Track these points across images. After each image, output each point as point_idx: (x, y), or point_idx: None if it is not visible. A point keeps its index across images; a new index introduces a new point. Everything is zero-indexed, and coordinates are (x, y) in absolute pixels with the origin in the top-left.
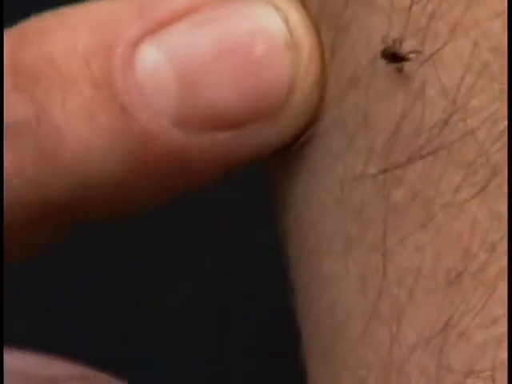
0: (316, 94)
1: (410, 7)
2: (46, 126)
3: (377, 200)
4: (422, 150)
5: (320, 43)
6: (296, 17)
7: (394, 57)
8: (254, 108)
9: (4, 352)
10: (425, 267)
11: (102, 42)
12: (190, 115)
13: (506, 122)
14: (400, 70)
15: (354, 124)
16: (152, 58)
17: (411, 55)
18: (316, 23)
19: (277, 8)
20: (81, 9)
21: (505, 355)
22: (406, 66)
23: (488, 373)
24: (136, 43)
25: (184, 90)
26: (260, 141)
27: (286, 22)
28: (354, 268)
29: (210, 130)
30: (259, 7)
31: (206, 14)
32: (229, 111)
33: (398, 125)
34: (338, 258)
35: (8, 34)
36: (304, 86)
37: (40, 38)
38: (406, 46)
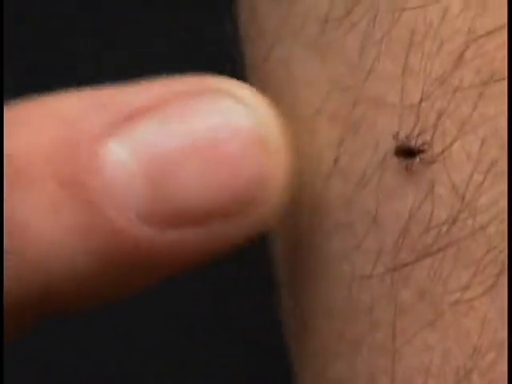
0: (287, 187)
1: (419, 104)
2: (10, 223)
3: (385, 300)
4: (431, 247)
5: (287, 135)
6: (264, 112)
7: (406, 153)
8: (224, 204)
9: None
10: (434, 366)
11: (66, 139)
12: (157, 212)
13: None
14: (410, 168)
15: (363, 225)
16: (118, 154)
17: (423, 150)
18: (281, 117)
19: (245, 103)
20: (42, 103)
21: None
22: (416, 163)
23: None
24: (101, 139)
25: (151, 186)
26: (230, 236)
27: (255, 117)
28: (363, 369)
29: (178, 227)
30: (227, 102)
31: (174, 109)
32: (198, 208)
33: (407, 223)
34: (345, 360)
35: None
36: (275, 180)
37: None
38: (417, 142)
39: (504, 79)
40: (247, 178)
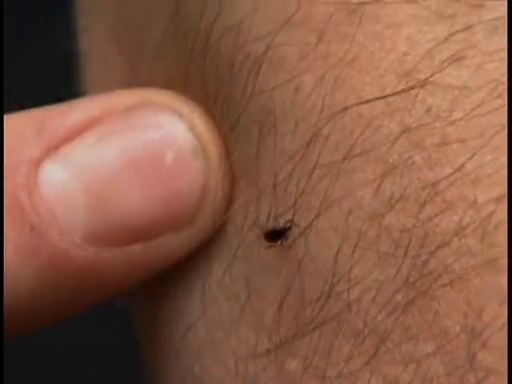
0: (227, 195)
1: (277, 184)
2: None
3: (271, 372)
4: (311, 321)
5: (225, 146)
6: (200, 123)
7: (273, 235)
8: (167, 218)
9: None
10: None
11: (5, 165)
12: (100, 230)
13: (392, 289)
14: (281, 244)
15: (244, 296)
16: (57, 175)
17: (289, 227)
18: (219, 125)
19: (181, 115)
20: None
21: None
22: (287, 240)
23: None
24: (39, 162)
25: (93, 204)
26: (175, 248)
27: (192, 128)
28: None
29: (121, 244)
30: (164, 116)
31: (110, 126)
32: (140, 223)
33: (284, 298)
34: None
35: None
36: (216, 189)
37: None
38: (280, 223)
39: (363, 154)
40: (187, 189)
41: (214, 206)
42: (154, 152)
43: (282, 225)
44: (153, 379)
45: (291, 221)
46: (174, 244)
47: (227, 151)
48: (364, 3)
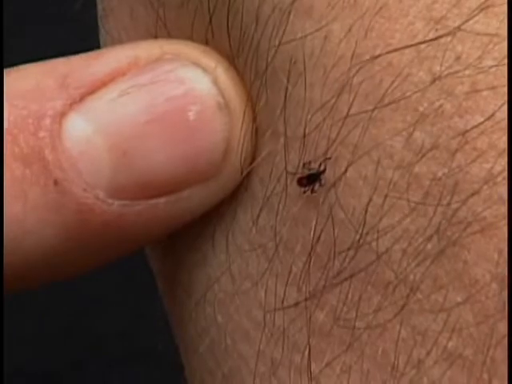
0: (251, 149)
1: (307, 134)
2: None
3: (300, 323)
4: (340, 272)
5: (249, 99)
6: (224, 76)
7: (307, 178)
8: (191, 172)
9: None
10: None
11: (27, 117)
12: (124, 185)
13: (422, 239)
14: (310, 194)
15: (272, 247)
16: (81, 129)
17: (323, 171)
18: (244, 77)
19: (205, 69)
20: (3, 83)
21: None
22: (316, 190)
23: None
24: (62, 115)
25: (117, 159)
26: (199, 201)
27: (216, 82)
28: None
29: (146, 198)
30: (187, 70)
31: (134, 79)
32: (165, 178)
33: (313, 248)
34: (262, 381)
35: None
36: (240, 142)
37: None
38: (311, 169)
39: (393, 103)
40: (211, 144)
41: (238, 159)
42: (177, 108)
43: (316, 169)
44: (175, 330)
45: (325, 162)
46: (198, 197)
47: (252, 103)
48: None
